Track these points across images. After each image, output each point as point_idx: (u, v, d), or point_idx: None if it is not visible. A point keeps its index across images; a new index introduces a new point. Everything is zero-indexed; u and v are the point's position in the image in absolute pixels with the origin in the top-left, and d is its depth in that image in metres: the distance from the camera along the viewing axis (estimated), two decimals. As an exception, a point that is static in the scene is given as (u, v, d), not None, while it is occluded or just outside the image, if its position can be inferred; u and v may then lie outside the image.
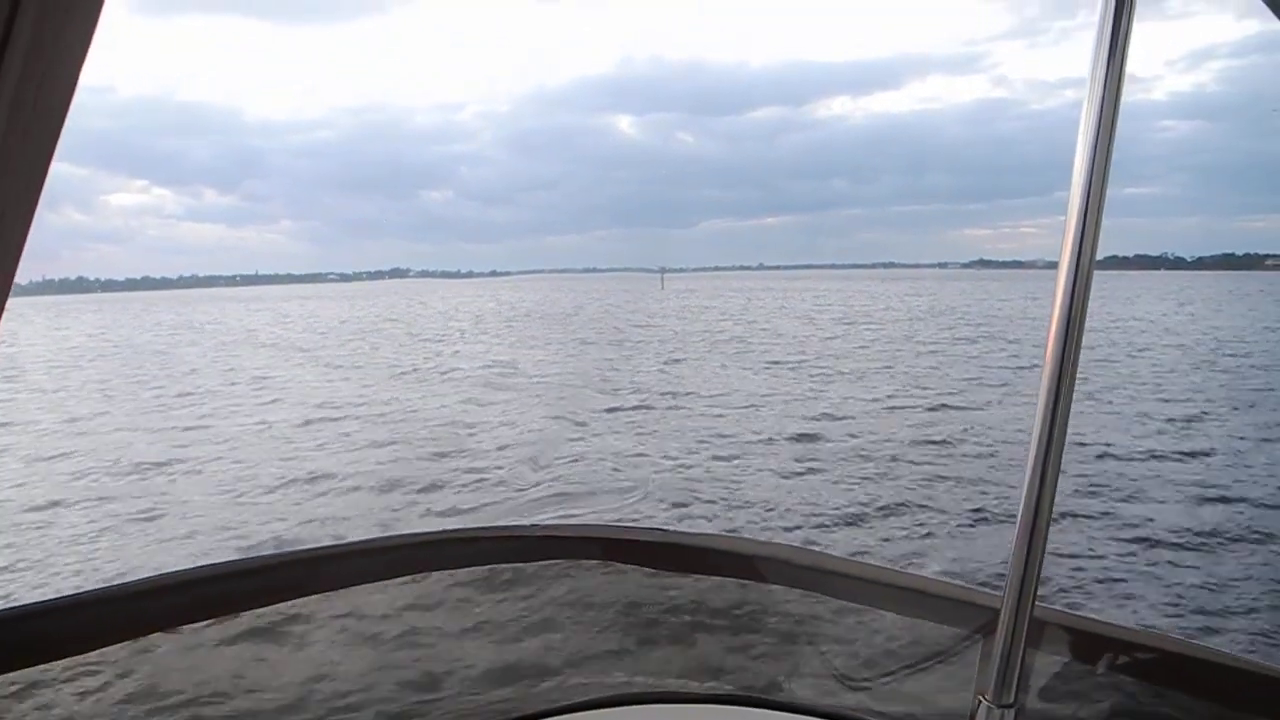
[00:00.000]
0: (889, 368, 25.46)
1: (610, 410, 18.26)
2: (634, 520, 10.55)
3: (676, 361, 28.14)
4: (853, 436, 15.28)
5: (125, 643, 1.56)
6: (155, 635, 1.66)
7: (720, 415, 17.48)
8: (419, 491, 12.17)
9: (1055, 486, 1.18)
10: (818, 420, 16.89)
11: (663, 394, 20.41)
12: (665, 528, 2.07)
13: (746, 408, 18.23)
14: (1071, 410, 1.19)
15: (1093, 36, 1.09)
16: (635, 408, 18.48)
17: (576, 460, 13.85)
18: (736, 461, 13.48)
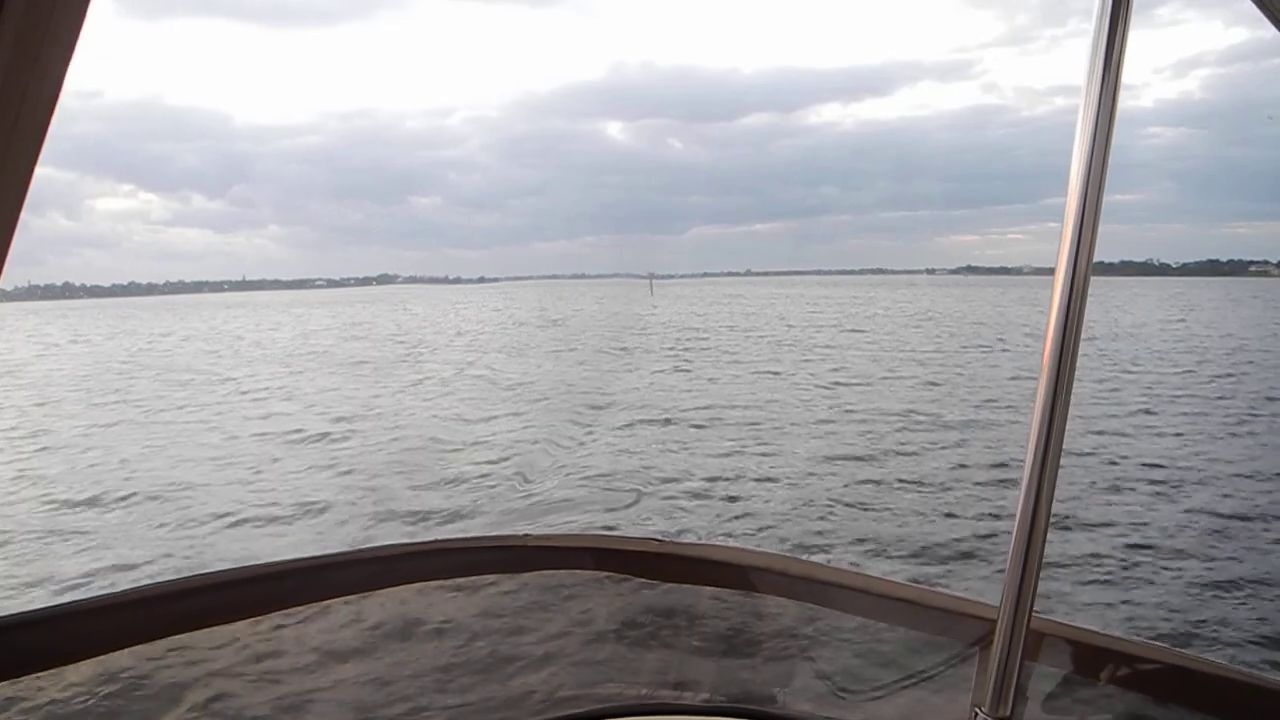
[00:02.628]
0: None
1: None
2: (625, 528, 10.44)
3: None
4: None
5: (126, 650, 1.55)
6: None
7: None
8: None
9: (1053, 495, 1.17)
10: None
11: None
12: (659, 537, 2.06)
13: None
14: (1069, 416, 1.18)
15: (1088, 46, 1.09)
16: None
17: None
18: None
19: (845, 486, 13.30)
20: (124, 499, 13.41)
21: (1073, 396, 1.13)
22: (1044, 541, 1.18)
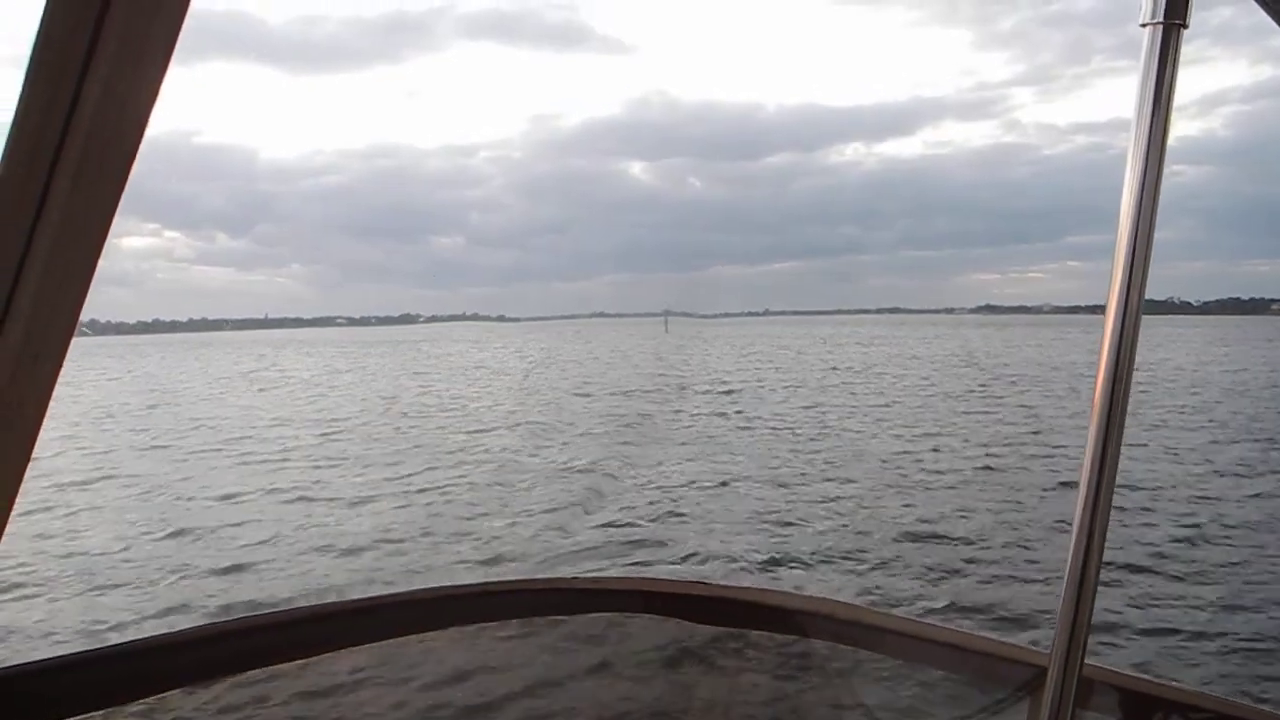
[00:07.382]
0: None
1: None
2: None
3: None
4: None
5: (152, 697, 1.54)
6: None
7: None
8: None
9: (1105, 537, 1.15)
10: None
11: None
12: (708, 580, 2.04)
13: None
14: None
15: (1137, 81, 1.08)
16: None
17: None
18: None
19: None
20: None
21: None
22: (1096, 587, 1.15)
